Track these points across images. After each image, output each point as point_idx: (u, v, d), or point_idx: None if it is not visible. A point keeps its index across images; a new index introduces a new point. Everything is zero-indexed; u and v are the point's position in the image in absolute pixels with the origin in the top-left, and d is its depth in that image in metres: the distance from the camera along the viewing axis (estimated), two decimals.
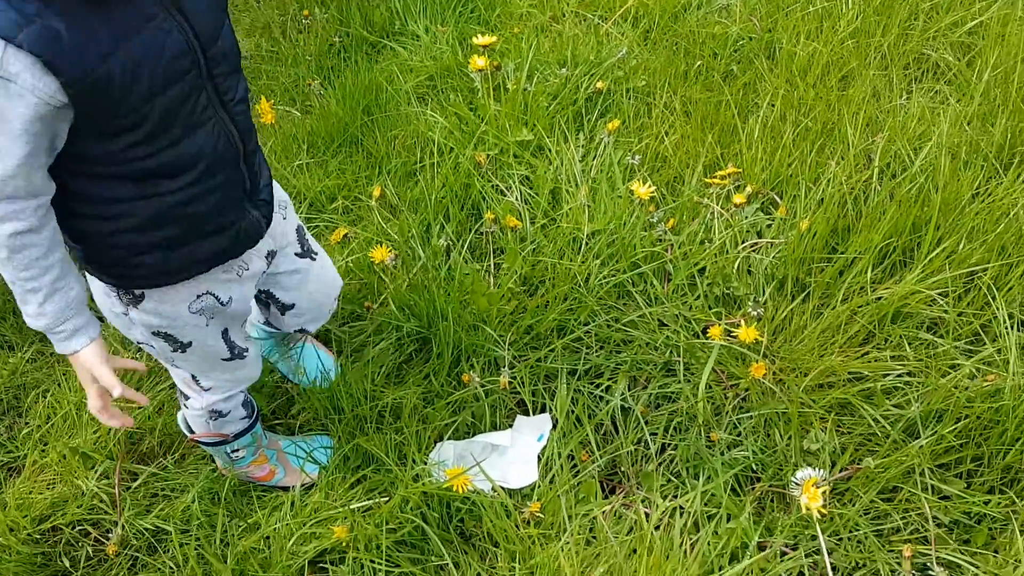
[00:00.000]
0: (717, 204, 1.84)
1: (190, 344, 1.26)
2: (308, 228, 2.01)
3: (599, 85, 2.18)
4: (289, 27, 2.52)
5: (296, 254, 1.43)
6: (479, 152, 2.05)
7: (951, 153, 1.88)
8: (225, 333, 1.30)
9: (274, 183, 1.32)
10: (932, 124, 1.96)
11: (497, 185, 2.00)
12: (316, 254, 1.47)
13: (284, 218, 1.38)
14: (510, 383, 1.64)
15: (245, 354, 1.35)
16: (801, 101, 2.08)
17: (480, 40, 2.16)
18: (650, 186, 1.86)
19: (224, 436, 1.44)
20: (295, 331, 1.55)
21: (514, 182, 1.98)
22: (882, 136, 1.94)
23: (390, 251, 1.78)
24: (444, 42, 2.41)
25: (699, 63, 2.24)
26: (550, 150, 2.04)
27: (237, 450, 1.47)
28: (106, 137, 1.00)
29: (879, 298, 1.64)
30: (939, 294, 1.64)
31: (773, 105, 2.07)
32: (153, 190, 1.07)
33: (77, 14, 0.92)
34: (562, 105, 2.15)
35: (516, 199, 1.96)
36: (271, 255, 1.33)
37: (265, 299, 1.46)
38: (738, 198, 1.84)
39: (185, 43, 1.01)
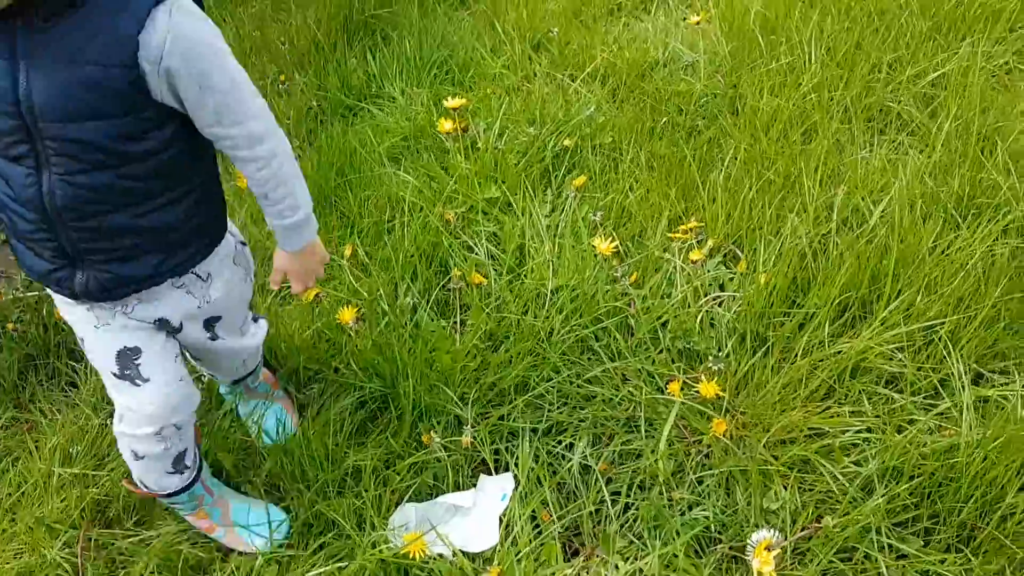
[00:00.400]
0: (679, 258, 1.86)
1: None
2: (282, 288, 2.05)
3: (566, 142, 2.22)
4: (270, 91, 2.58)
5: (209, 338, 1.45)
6: (448, 210, 2.09)
7: (911, 205, 1.90)
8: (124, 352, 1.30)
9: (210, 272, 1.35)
10: (893, 176, 1.99)
11: (465, 242, 2.03)
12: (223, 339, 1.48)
13: (200, 300, 1.36)
14: (472, 442, 1.64)
15: (139, 382, 1.32)
16: (764, 155, 2.11)
17: (450, 102, 2.21)
18: (612, 241, 1.89)
19: (150, 492, 1.44)
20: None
21: (481, 239, 2.01)
22: (843, 189, 1.96)
23: (356, 311, 1.80)
24: (419, 103, 2.46)
25: (665, 119, 2.29)
26: (518, 206, 2.08)
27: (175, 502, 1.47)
28: None
29: (838, 352, 1.64)
30: (897, 348, 1.65)
31: (737, 158, 2.11)
32: None
33: None
34: (530, 162, 2.19)
35: (483, 255, 1.98)
36: (160, 322, 1.33)
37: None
38: (695, 255, 1.86)
39: (10, 91, 1.05)
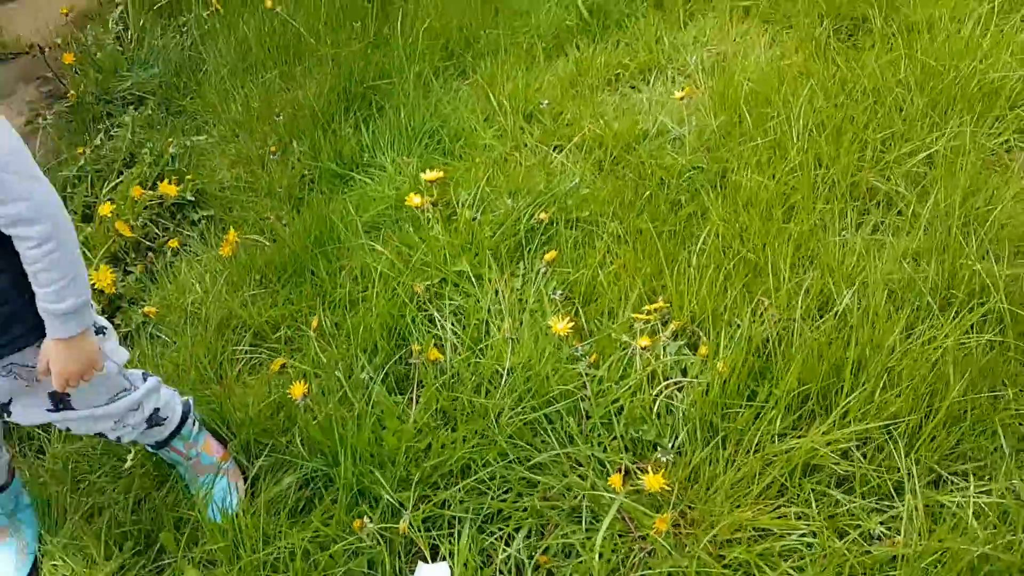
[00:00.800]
0: (643, 340, 1.82)
1: None
2: (251, 358, 2.07)
3: (542, 216, 2.21)
4: (268, 159, 2.65)
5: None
6: (418, 282, 2.09)
7: (887, 291, 1.82)
8: None
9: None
10: (871, 259, 1.91)
11: (432, 314, 2.03)
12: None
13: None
14: (411, 526, 1.61)
15: None
16: (744, 233, 2.06)
17: (427, 175, 2.23)
18: (569, 322, 1.85)
19: None
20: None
21: (446, 313, 2.00)
22: (815, 272, 1.89)
23: (306, 386, 1.81)
24: (407, 172, 2.49)
25: (647, 193, 2.26)
26: (488, 280, 2.06)
27: None
28: None
29: (789, 449, 1.57)
30: (858, 443, 1.56)
31: (716, 235, 2.06)
32: None
33: None
34: (505, 235, 2.18)
35: (447, 329, 1.97)
36: None
37: None
38: (644, 341, 1.81)
39: None
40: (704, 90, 2.56)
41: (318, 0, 3.13)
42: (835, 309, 1.80)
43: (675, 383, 1.77)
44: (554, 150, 2.52)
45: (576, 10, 2.97)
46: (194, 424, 1.71)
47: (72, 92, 2.95)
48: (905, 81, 2.34)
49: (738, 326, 1.82)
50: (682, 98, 2.40)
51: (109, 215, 2.31)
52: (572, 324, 1.86)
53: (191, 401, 1.73)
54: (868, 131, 2.25)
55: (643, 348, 1.77)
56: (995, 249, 1.94)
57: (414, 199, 2.12)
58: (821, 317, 1.82)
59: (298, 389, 1.80)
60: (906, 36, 2.52)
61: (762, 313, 1.83)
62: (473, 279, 2.08)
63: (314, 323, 2.04)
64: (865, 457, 1.56)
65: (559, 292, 1.96)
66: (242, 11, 3.18)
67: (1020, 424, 1.61)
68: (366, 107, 2.71)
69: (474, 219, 2.24)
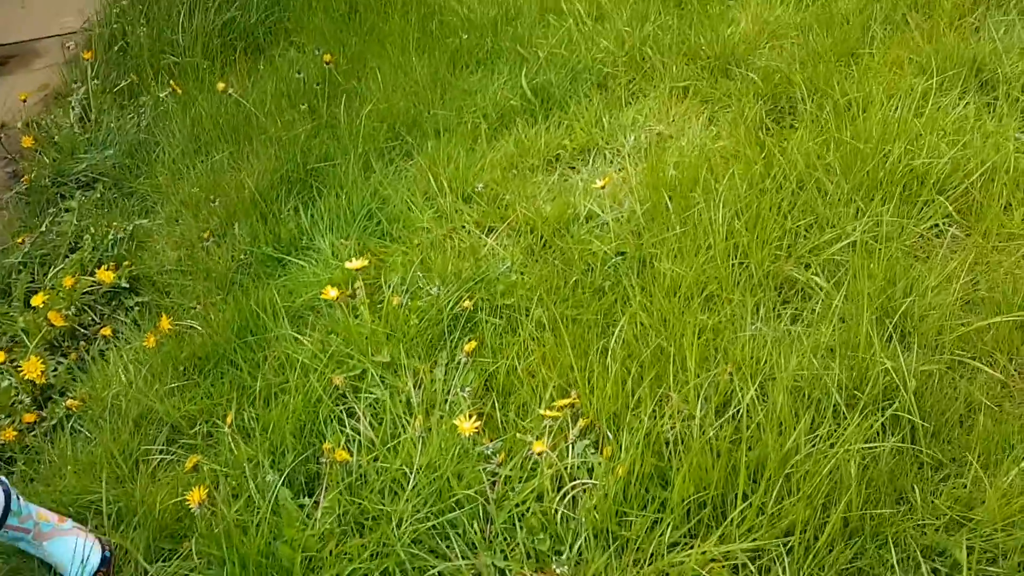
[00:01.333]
0: (539, 445, 1.80)
1: None
2: (166, 455, 2.07)
3: (466, 303, 2.21)
4: (209, 242, 2.68)
5: None
6: (338, 374, 2.09)
7: (794, 389, 1.80)
8: None
9: None
10: (781, 354, 1.90)
11: (352, 407, 2.02)
12: None
13: None
14: None
15: None
16: (662, 324, 2.05)
17: (352, 264, 2.24)
18: (475, 420, 1.84)
19: None
20: None
21: (363, 407, 1.99)
22: (725, 368, 1.88)
23: (207, 491, 1.79)
24: (346, 256, 2.51)
25: (573, 279, 2.26)
26: (409, 370, 2.06)
27: None
28: None
29: (681, 562, 1.54)
30: (753, 555, 1.53)
31: (638, 324, 2.05)
32: None
33: None
34: (430, 323, 2.19)
35: (362, 424, 1.96)
36: None
37: None
38: (539, 446, 1.79)
39: None
40: (635, 173, 2.57)
41: (269, 83, 3.19)
42: (737, 407, 1.78)
43: (581, 484, 1.75)
44: (488, 232, 2.54)
45: (521, 90, 3.01)
46: (18, 499, 1.73)
47: (26, 176, 3.00)
48: (831, 164, 2.35)
49: (641, 424, 1.80)
50: (602, 187, 2.41)
51: (42, 305, 2.34)
52: (478, 424, 1.85)
53: (4, 479, 1.75)
54: (790, 218, 2.24)
55: (539, 453, 1.75)
56: (911, 342, 1.92)
57: (330, 292, 2.13)
58: (725, 415, 1.80)
59: (196, 495, 1.78)
60: (840, 116, 2.53)
61: (667, 411, 1.81)
62: (395, 369, 2.08)
63: (229, 419, 2.04)
64: (761, 572, 1.52)
65: (467, 389, 1.95)
66: (197, 93, 3.24)
67: (923, 535, 1.58)
68: (308, 190, 2.74)
69: (401, 305, 2.25)
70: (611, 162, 2.74)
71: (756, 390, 1.80)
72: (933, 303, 1.99)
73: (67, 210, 2.79)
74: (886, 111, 2.51)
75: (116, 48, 3.57)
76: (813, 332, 1.97)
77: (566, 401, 1.90)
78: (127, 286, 2.51)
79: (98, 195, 2.93)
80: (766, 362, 1.91)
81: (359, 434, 1.93)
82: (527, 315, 2.19)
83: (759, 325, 2.00)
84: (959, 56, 2.63)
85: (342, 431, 1.96)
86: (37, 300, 2.33)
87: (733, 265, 2.15)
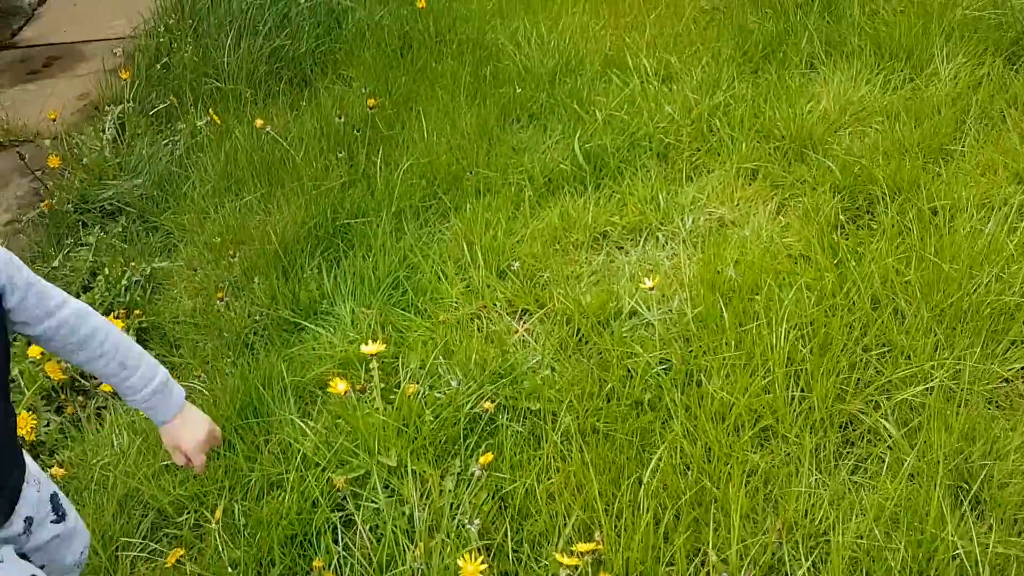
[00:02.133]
0: None
1: None
2: (150, 546, 1.89)
3: (487, 405, 2.01)
4: (228, 293, 2.52)
5: (52, 521, 1.51)
6: (339, 474, 1.90)
7: (850, 562, 1.56)
8: None
9: (26, 458, 1.45)
10: (841, 515, 1.65)
11: (350, 517, 1.83)
12: (67, 514, 1.55)
13: (38, 491, 1.46)
14: None
15: None
16: (706, 454, 1.82)
17: (368, 348, 2.05)
18: (481, 562, 1.63)
19: None
20: None
21: (359, 518, 1.80)
22: (776, 525, 1.64)
23: None
24: (366, 325, 2.32)
25: (610, 386, 2.04)
26: (410, 482, 1.86)
27: None
28: None
29: None
30: None
31: (678, 451, 1.83)
32: None
33: None
34: (446, 422, 1.99)
35: (359, 537, 1.77)
36: (29, 520, 1.43)
37: None
38: None
39: None
40: (689, 265, 2.34)
41: (310, 122, 3.03)
42: None
43: None
44: (521, 316, 2.33)
45: (572, 154, 2.80)
46: None
47: (47, 200, 2.88)
48: (912, 284, 2.09)
49: None
50: (651, 289, 2.18)
51: (40, 355, 2.19)
52: (484, 566, 1.63)
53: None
54: (861, 343, 2.00)
55: None
56: (988, 514, 1.67)
57: (339, 385, 1.93)
58: None
59: None
60: (924, 225, 2.27)
61: (704, 573, 1.59)
62: (401, 474, 1.89)
63: (217, 514, 1.86)
64: None
65: (477, 523, 1.73)
66: (236, 124, 3.10)
67: None
68: (334, 248, 2.56)
69: (418, 395, 2.06)
70: (664, 246, 2.51)
71: (809, 562, 1.56)
72: (1016, 468, 1.73)
73: (84, 244, 2.66)
74: (975, 225, 2.24)
75: (160, 65, 3.45)
76: (878, 488, 1.73)
77: (588, 547, 1.67)
78: (134, 337, 2.36)
79: (120, 227, 2.79)
80: (822, 522, 1.66)
81: (352, 555, 1.74)
82: (554, 423, 1.98)
83: (817, 475, 1.76)
84: None
85: (336, 544, 1.77)
86: (35, 350, 2.19)
87: (793, 396, 1.91)
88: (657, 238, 2.54)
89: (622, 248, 2.55)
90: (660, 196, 2.62)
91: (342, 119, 2.95)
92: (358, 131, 2.94)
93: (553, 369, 2.14)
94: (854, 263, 2.20)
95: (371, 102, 2.98)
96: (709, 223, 2.54)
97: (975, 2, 3.10)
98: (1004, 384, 1.94)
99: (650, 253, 2.48)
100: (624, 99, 3.00)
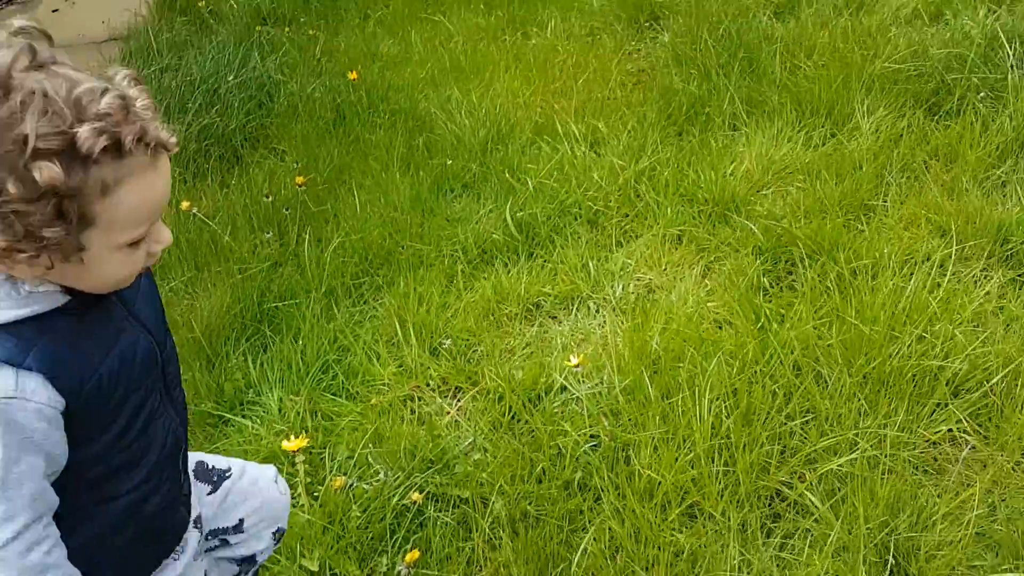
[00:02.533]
0: None
1: None
2: None
3: (415, 497, 1.96)
4: None
5: (208, 493, 1.43)
6: None
7: None
8: None
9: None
10: None
11: None
12: (228, 470, 1.47)
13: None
14: None
15: None
16: (639, 537, 1.79)
17: (289, 444, 2.00)
18: None
19: None
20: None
21: None
22: None
23: None
24: (294, 415, 2.27)
25: (540, 466, 2.01)
26: None
27: None
28: (80, 443, 1.05)
29: None
30: None
31: (608, 532, 1.79)
32: (109, 492, 1.12)
33: (67, 334, 1.02)
34: (372, 519, 1.94)
35: None
36: (198, 520, 1.35)
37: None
38: None
39: (151, 347, 1.13)
40: (617, 334, 2.34)
41: (239, 200, 3.01)
42: None
43: None
44: (455, 393, 2.30)
45: (505, 224, 2.80)
46: None
47: None
48: (833, 349, 2.10)
49: None
50: (577, 365, 2.17)
51: None
52: None
53: None
54: (785, 411, 1.99)
55: None
56: None
57: None
58: None
59: None
60: (845, 286, 2.29)
61: None
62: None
63: None
64: None
65: None
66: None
67: None
68: (261, 334, 2.51)
69: (345, 488, 2.01)
70: (595, 314, 2.50)
71: None
72: (943, 539, 1.72)
73: None
74: (898, 282, 2.26)
75: None
76: (806, 564, 1.70)
77: None
78: None
79: None
80: None
81: None
82: (485, 509, 1.94)
83: (744, 553, 1.73)
84: (983, 220, 2.40)
85: None
86: None
87: (718, 470, 1.90)
88: (588, 307, 2.53)
89: (555, 318, 2.54)
90: (591, 264, 2.62)
91: (271, 198, 2.93)
92: (287, 209, 2.92)
93: (485, 450, 2.10)
94: (776, 327, 2.21)
95: (299, 180, 2.96)
96: (638, 289, 2.54)
97: (895, 53, 3.18)
98: (931, 448, 1.94)
99: (582, 322, 2.47)
100: (554, 166, 3.02)
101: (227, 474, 1.45)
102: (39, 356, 0.98)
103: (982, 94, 2.87)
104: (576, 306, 2.55)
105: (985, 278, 2.29)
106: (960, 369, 1.99)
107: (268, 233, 2.83)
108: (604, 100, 3.34)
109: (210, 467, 1.45)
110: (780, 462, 1.93)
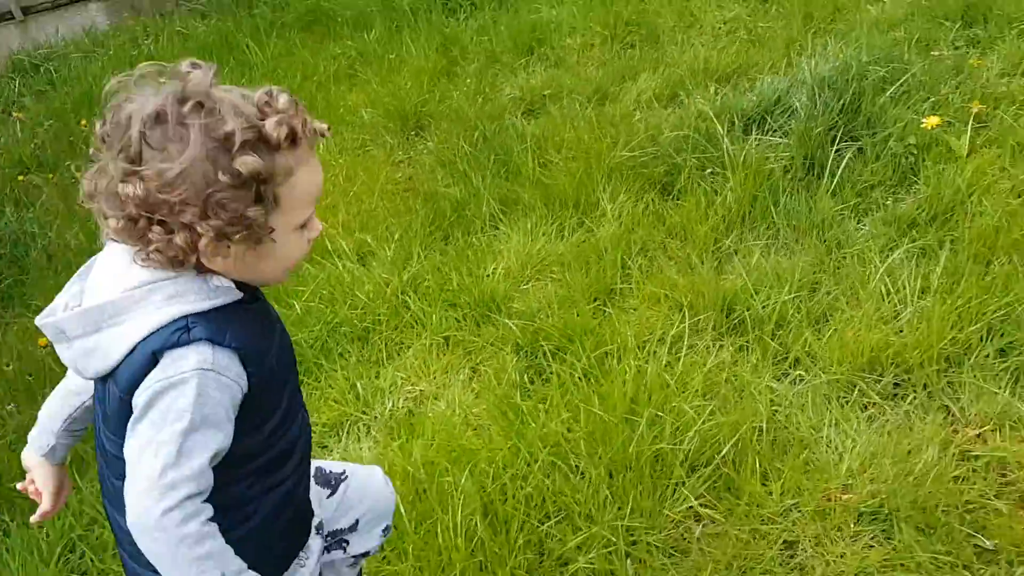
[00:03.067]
0: None
1: None
2: None
3: None
4: None
5: (328, 496, 1.52)
6: None
7: None
8: None
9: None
10: None
11: None
12: (344, 473, 1.57)
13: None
14: None
15: None
16: None
17: None
18: None
19: None
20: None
21: None
22: None
23: None
24: None
25: None
26: None
27: None
28: (255, 427, 1.18)
29: None
30: None
31: None
32: (273, 480, 1.25)
33: (248, 322, 1.17)
34: None
35: None
36: (320, 526, 1.45)
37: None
38: None
39: (291, 342, 1.27)
40: (386, 454, 2.31)
41: None
42: None
43: None
44: None
45: None
46: None
47: None
48: (578, 442, 2.16)
49: None
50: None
51: None
52: None
53: None
54: (542, 511, 2.02)
55: None
56: None
57: None
58: None
59: None
60: (590, 374, 2.38)
61: None
62: None
63: None
64: None
65: None
66: None
67: None
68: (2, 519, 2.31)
69: None
70: (366, 435, 2.48)
71: None
72: None
73: None
74: (641, 364, 2.38)
75: None
76: None
77: None
78: None
79: None
80: None
81: None
82: None
83: None
84: (711, 292, 2.57)
85: None
86: None
87: None
88: (358, 429, 2.50)
89: (325, 446, 2.49)
90: (359, 384, 2.60)
91: (10, 367, 2.75)
92: (31, 375, 2.74)
93: None
94: (533, 424, 2.26)
95: (42, 342, 2.80)
96: (407, 404, 2.54)
97: (632, 140, 3.42)
98: (675, 527, 2.01)
99: (351, 449, 2.43)
100: (321, 285, 3.00)
101: (343, 477, 1.56)
102: (233, 336, 1.14)
103: (708, 170, 3.12)
104: (347, 430, 2.51)
105: (718, 348, 2.45)
106: (693, 445, 2.10)
107: (11, 405, 2.64)
108: (372, 211, 3.39)
109: (327, 471, 1.56)
110: (539, 567, 1.94)
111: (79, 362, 1.15)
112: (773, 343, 2.39)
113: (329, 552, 1.53)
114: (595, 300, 2.72)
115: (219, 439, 1.10)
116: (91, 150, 1.14)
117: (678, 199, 3.07)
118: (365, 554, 1.61)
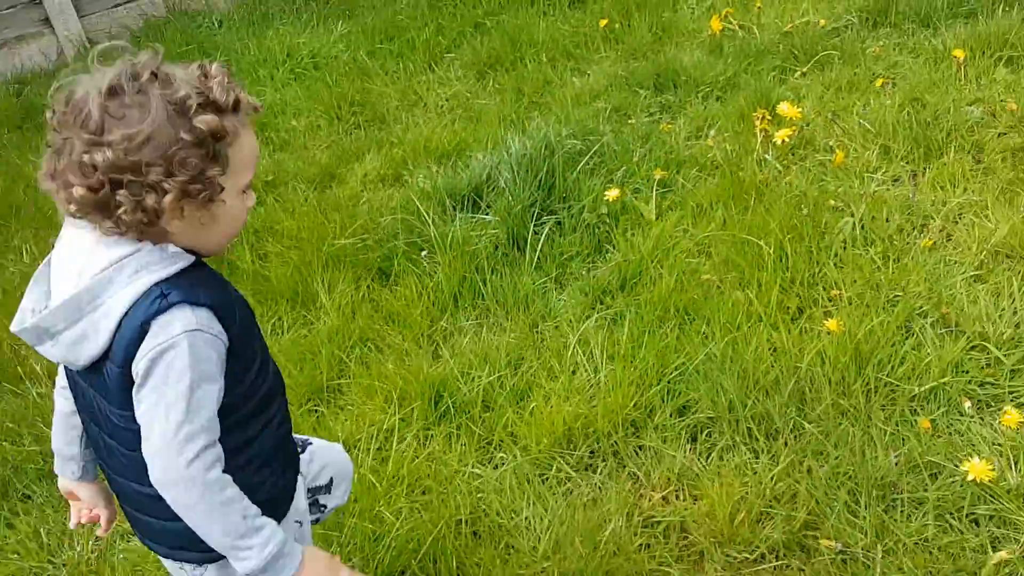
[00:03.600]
0: None
1: None
2: None
3: None
4: None
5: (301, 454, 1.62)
6: None
7: None
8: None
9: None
10: None
11: None
12: (307, 439, 1.71)
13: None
14: None
15: None
16: None
17: None
18: None
19: None
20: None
21: None
22: None
23: None
24: None
25: None
26: None
27: None
28: (239, 375, 1.30)
29: None
30: None
31: None
32: (266, 420, 1.38)
33: (211, 282, 1.30)
34: None
35: None
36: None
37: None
38: None
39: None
40: None
41: None
42: None
43: None
44: None
45: None
46: None
47: None
48: None
49: None
50: None
51: None
52: None
53: None
54: None
55: None
56: None
57: None
58: None
59: None
60: None
61: None
62: None
63: None
64: None
65: None
66: None
67: None
68: None
69: None
70: None
71: None
72: None
73: None
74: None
75: None
76: None
77: None
78: None
79: None
80: None
81: None
82: None
83: None
84: (420, 381, 2.58)
85: None
86: None
87: None
88: None
89: None
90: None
91: None
92: None
93: None
94: None
95: None
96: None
97: (353, 224, 3.39)
98: None
99: None
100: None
101: (308, 442, 1.69)
102: (205, 295, 1.24)
103: (424, 252, 3.16)
104: None
105: (428, 438, 2.45)
106: (386, 558, 2.07)
107: None
108: None
109: (294, 437, 1.59)
110: None
111: (70, 354, 1.24)
112: (477, 428, 2.43)
113: (312, 514, 1.67)
114: (309, 400, 2.65)
115: (217, 391, 1.24)
116: (47, 138, 1.21)
117: (396, 284, 3.08)
118: (333, 509, 1.79)
